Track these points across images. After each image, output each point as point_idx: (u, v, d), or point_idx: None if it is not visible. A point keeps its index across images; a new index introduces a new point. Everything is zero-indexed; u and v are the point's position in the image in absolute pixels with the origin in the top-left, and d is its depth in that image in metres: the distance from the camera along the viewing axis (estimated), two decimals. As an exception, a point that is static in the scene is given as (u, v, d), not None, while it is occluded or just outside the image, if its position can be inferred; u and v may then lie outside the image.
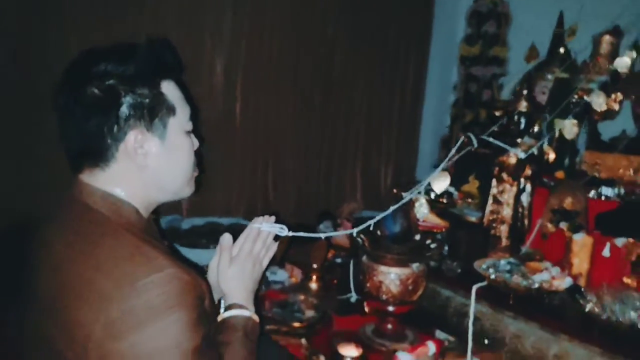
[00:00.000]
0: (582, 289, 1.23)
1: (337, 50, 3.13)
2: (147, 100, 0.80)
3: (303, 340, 1.37)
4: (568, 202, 1.54)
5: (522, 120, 1.49)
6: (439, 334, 1.45)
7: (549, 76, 2.53)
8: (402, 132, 3.59)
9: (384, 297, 1.32)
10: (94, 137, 0.79)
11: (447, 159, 1.38)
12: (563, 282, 1.25)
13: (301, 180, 3.10)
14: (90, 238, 0.78)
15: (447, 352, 1.31)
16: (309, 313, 1.48)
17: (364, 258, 1.37)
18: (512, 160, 1.49)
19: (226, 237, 0.99)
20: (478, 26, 3.18)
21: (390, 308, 1.37)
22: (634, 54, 1.97)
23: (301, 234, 1.09)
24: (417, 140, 3.68)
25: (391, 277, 1.31)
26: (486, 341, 1.32)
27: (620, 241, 1.31)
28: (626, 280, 1.27)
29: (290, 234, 1.06)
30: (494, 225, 1.54)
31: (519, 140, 1.52)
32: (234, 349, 0.87)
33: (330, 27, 3.10)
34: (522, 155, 1.42)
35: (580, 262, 1.37)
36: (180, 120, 0.86)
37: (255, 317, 0.95)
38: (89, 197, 0.81)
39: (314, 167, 3.17)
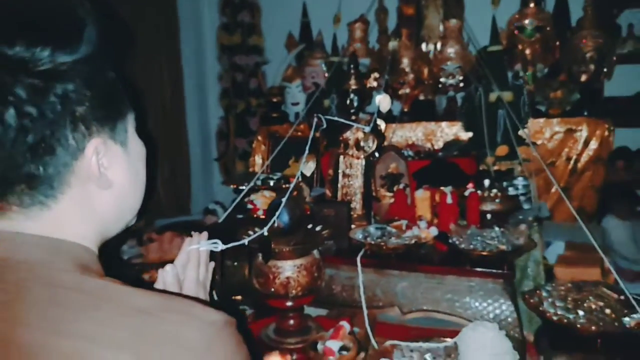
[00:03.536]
0: (447, 234, 1.45)
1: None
2: (104, 92, 0.52)
3: None
4: (393, 167, 1.77)
5: (355, 98, 1.60)
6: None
7: (317, 61, 2.79)
8: (168, 129, 3.35)
9: (294, 291, 1.25)
10: (27, 161, 0.48)
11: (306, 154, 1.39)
12: (431, 233, 1.45)
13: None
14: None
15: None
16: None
17: (261, 261, 1.25)
18: (355, 135, 1.60)
19: (169, 272, 0.76)
20: (233, 15, 3.22)
21: (289, 303, 1.30)
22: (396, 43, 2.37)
23: (230, 245, 0.94)
24: (186, 133, 3.51)
25: (297, 269, 1.24)
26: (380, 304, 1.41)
27: (448, 190, 1.60)
28: (461, 222, 1.56)
29: (224, 247, 0.90)
30: (347, 198, 1.63)
31: (353, 117, 1.64)
32: None
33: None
34: (368, 129, 1.54)
35: (425, 213, 1.61)
36: (132, 117, 0.59)
37: None
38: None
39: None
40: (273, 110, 2.86)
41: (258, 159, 2.92)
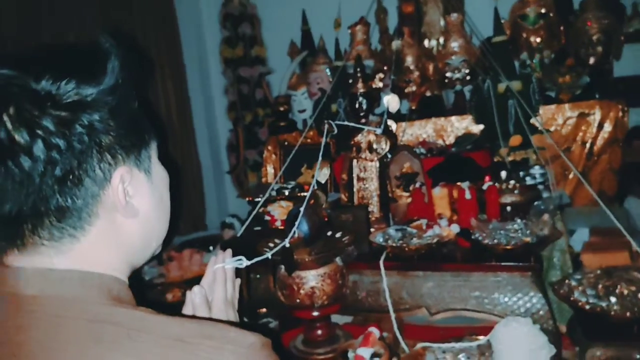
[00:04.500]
0: (469, 230, 1.43)
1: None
2: (129, 121, 0.53)
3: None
4: (407, 167, 1.76)
5: (364, 101, 1.59)
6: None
7: (319, 68, 2.79)
8: (177, 146, 3.36)
9: (319, 301, 1.24)
10: (56, 194, 0.48)
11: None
12: (453, 230, 1.43)
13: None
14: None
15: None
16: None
17: (284, 273, 1.25)
18: (367, 138, 1.59)
19: (197, 293, 0.76)
20: (234, 28, 3.23)
21: (316, 313, 1.29)
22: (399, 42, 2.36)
23: (254, 260, 0.93)
24: (195, 148, 3.51)
25: (321, 278, 1.23)
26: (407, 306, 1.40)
27: (465, 185, 1.58)
28: (481, 216, 1.54)
29: (249, 263, 0.89)
30: (364, 202, 1.62)
31: (363, 120, 1.63)
32: None
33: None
34: (379, 131, 1.53)
35: (444, 210, 1.60)
36: (155, 144, 0.60)
37: None
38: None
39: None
40: (280, 119, 2.86)
41: (270, 169, 2.92)
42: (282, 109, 2.88)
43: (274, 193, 1.86)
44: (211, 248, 2.14)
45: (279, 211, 1.58)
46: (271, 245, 1.29)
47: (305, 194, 1.82)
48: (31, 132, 0.49)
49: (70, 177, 0.50)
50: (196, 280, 1.79)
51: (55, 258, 0.53)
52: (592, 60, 2.47)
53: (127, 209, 0.55)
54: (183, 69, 3.41)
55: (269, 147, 2.89)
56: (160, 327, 0.50)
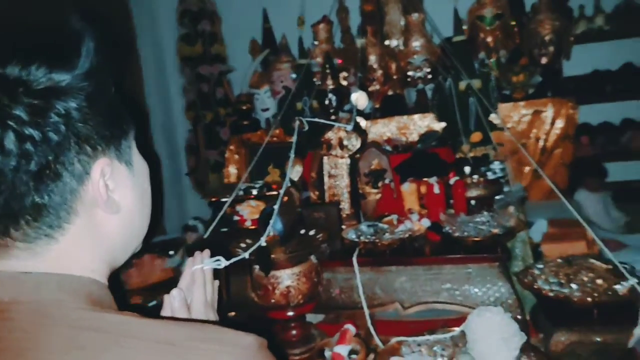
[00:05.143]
0: (439, 224, 1.46)
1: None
2: (108, 109, 0.49)
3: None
4: (376, 163, 1.77)
5: (334, 98, 1.59)
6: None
7: (282, 66, 2.77)
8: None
9: (295, 301, 1.22)
10: (31, 190, 0.44)
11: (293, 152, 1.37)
12: (424, 225, 1.46)
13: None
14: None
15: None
16: None
17: (259, 273, 1.22)
18: (338, 135, 1.59)
19: (176, 296, 0.72)
20: (193, 25, 3.16)
21: (291, 313, 1.28)
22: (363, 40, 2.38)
23: (232, 260, 0.91)
24: (152, 149, 3.40)
25: (297, 277, 1.22)
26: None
27: (433, 180, 1.61)
28: (448, 211, 1.58)
29: (227, 263, 0.87)
30: (335, 199, 1.62)
31: (333, 117, 1.63)
32: None
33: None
34: (350, 127, 1.53)
35: (413, 205, 1.62)
36: (133, 133, 0.56)
37: None
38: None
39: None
40: (243, 118, 2.82)
41: (232, 170, 2.87)
42: (244, 107, 2.83)
43: (241, 193, 1.82)
44: (171, 252, 2.07)
45: (248, 211, 1.55)
46: (243, 245, 1.27)
47: (274, 192, 1.81)
48: (1, 123, 0.45)
49: (47, 171, 0.46)
50: (158, 286, 1.72)
51: (31, 261, 0.49)
52: (544, 60, 2.59)
53: (109, 204, 0.52)
54: (139, 68, 3.29)
55: (231, 147, 2.84)
56: (149, 331, 0.47)
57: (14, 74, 0.45)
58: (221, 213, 1.63)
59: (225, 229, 1.77)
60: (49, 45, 0.48)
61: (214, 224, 1.60)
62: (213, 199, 1.76)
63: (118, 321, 0.49)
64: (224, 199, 1.74)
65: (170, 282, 1.98)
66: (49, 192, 0.47)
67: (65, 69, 0.47)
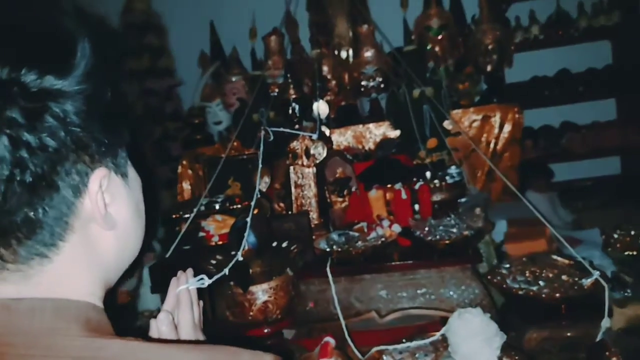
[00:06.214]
0: (409, 229, 1.46)
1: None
2: (106, 115, 0.44)
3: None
4: (340, 172, 1.76)
5: (297, 107, 1.57)
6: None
7: (234, 78, 2.72)
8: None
9: (273, 316, 1.17)
10: (24, 204, 0.38)
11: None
12: (395, 230, 1.45)
13: None
14: None
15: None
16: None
17: (235, 290, 1.16)
18: (303, 144, 1.57)
19: (164, 320, 0.67)
20: (138, 39, 3.03)
21: (267, 330, 1.23)
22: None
23: (214, 278, 0.86)
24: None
25: (274, 291, 1.17)
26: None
27: (399, 186, 1.62)
28: (416, 216, 1.59)
29: (210, 282, 0.82)
30: (303, 209, 1.59)
31: (297, 126, 1.61)
32: None
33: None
34: (315, 136, 1.51)
35: (380, 212, 1.62)
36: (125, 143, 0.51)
37: None
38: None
39: None
40: (196, 132, 2.73)
41: (186, 186, 2.76)
42: (197, 121, 2.75)
43: (202, 208, 1.75)
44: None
45: (214, 226, 1.48)
46: (214, 262, 1.21)
47: (238, 206, 1.75)
48: None
49: (43, 182, 0.40)
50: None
51: (22, 284, 0.42)
52: (488, 68, 2.70)
53: (106, 219, 0.46)
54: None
55: (184, 162, 2.74)
56: (163, 357, 0.42)
57: (5, 74, 0.39)
58: (183, 230, 1.56)
59: (187, 247, 1.69)
60: (44, 45, 0.42)
61: (175, 242, 1.52)
62: (174, 216, 1.67)
63: (121, 348, 0.43)
64: (186, 216, 1.66)
65: (128, 306, 1.86)
66: (44, 205, 0.42)
67: (62, 70, 0.42)
